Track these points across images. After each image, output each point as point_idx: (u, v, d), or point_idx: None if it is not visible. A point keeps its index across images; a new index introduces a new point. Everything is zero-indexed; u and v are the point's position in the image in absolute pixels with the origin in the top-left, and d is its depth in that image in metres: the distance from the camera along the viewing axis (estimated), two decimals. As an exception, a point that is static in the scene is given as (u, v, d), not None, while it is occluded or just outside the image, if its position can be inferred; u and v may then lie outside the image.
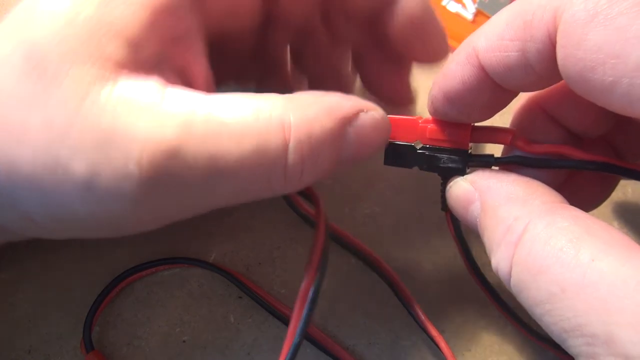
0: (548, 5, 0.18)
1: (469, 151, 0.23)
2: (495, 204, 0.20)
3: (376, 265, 0.28)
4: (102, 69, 0.18)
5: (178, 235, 0.29)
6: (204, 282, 0.28)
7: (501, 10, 0.20)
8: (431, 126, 0.23)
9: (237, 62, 0.27)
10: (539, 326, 0.26)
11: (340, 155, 0.21)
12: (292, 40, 0.27)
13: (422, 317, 0.26)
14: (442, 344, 0.26)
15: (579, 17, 0.16)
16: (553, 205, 0.19)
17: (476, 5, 0.35)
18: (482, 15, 0.35)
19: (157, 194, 0.19)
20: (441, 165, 0.23)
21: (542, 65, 0.19)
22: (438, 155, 0.23)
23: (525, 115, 0.24)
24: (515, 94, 0.22)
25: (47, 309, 0.27)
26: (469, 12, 0.35)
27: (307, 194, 0.25)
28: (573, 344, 0.16)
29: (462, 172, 0.23)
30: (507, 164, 0.23)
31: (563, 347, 0.17)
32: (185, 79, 0.21)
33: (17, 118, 0.18)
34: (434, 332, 0.26)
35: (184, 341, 0.27)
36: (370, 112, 0.22)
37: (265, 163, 0.19)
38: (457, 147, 0.23)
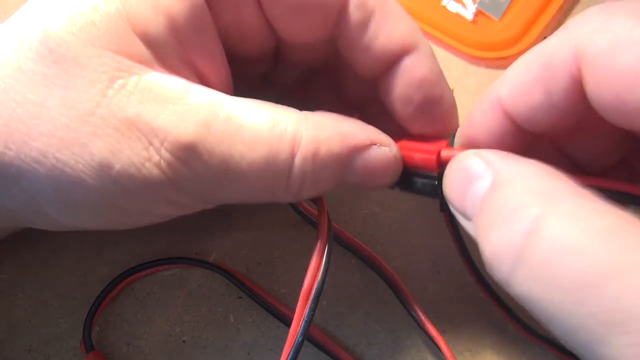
0: (566, 45, 0.18)
1: (440, 173, 0.22)
2: (511, 178, 0.18)
3: (376, 265, 0.28)
4: (128, 60, 0.19)
5: (178, 235, 0.29)
6: (204, 282, 0.28)
7: (518, 59, 0.20)
8: (402, 152, 0.23)
9: (252, 85, 0.27)
10: (539, 326, 0.27)
11: (343, 179, 0.22)
12: (304, 69, 0.27)
13: (422, 317, 0.26)
14: (442, 344, 0.26)
15: (602, 46, 0.17)
16: (578, 189, 0.17)
17: (476, 5, 0.35)
18: (482, 15, 0.35)
19: (170, 183, 0.20)
20: (416, 188, 0.23)
21: (566, 103, 0.19)
22: (413, 178, 0.23)
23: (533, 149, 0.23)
24: (538, 137, 0.21)
25: (47, 309, 0.27)
26: (469, 12, 0.35)
27: None
28: (616, 344, 0.13)
29: (436, 196, 0.23)
30: None
31: (590, 348, 0.14)
32: (206, 84, 0.22)
33: (35, 96, 0.19)
34: (433, 332, 0.26)
35: (184, 341, 0.27)
36: (384, 147, 0.22)
37: (271, 171, 0.20)
38: (429, 171, 0.22)
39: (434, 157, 0.22)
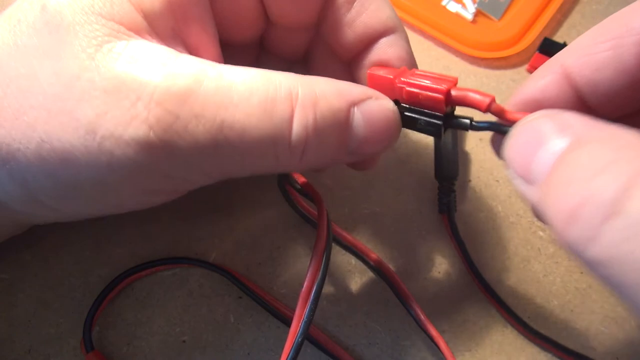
0: None
1: (447, 112, 0.22)
2: (599, 137, 0.15)
3: (376, 265, 0.28)
4: (118, 25, 0.19)
5: (178, 235, 0.29)
6: (204, 282, 0.28)
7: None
8: (409, 89, 0.22)
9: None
10: (539, 326, 0.27)
11: (347, 140, 0.21)
12: (285, 63, 0.27)
13: (422, 317, 0.26)
14: (442, 344, 0.26)
15: None
16: None
17: (476, 5, 0.35)
18: (482, 15, 0.35)
19: (162, 146, 0.18)
20: (418, 126, 0.22)
21: (637, 59, 0.18)
22: (415, 116, 0.22)
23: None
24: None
25: (47, 309, 0.27)
26: (469, 12, 0.35)
27: (308, 193, 0.25)
28: None
29: (438, 136, 0.22)
30: (484, 130, 0.21)
31: None
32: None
33: (27, 70, 0.19)
34: (434, 332, 0.26)
35: (184, 341, 0.27)
36: (380, 100, 0.22)
37: (270, 128, 0.19)
38: (434, 109, 0.22)
39: (442, 97, 0.21)
